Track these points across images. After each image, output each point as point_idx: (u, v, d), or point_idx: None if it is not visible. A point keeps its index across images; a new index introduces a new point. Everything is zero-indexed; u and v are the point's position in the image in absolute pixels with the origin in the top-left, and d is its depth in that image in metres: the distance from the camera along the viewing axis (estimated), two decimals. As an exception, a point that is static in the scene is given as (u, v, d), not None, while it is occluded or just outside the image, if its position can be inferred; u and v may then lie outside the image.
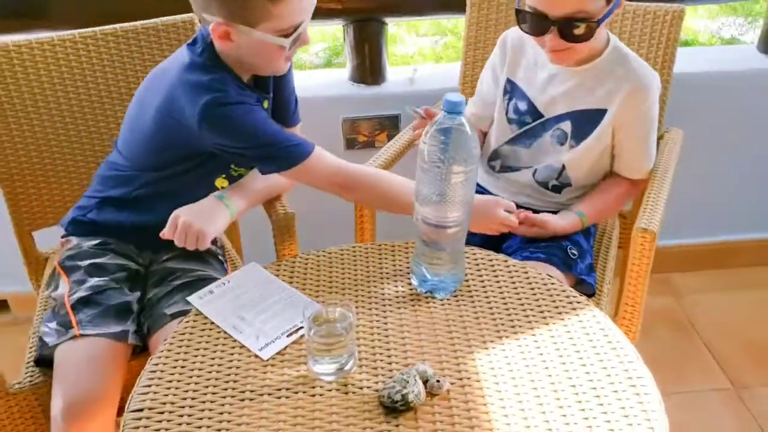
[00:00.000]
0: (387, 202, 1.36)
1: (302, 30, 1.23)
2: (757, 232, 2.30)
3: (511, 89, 1.53)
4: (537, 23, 1.34)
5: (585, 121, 1.45)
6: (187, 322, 1.12)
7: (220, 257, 1.48)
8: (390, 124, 1.97)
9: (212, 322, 1.11)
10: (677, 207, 1.78)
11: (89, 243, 1.41)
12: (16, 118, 1.52)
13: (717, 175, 2.15)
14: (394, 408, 0.94)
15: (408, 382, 0.95)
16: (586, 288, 1.41)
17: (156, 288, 1.37)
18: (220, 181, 1.38)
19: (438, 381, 0.97)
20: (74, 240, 1.43)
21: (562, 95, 1.46)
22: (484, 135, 1.63)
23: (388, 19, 1.90)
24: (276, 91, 1.41)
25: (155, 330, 1.30)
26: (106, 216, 1.42)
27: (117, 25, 1.57)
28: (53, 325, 1.27)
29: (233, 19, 1.18)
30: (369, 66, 1.93)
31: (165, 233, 1.24)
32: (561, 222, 1.45)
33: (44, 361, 1.27)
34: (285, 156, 1.26)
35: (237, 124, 1.23)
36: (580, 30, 1.31)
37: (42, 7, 1.75)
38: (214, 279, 1.36)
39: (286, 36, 1.21)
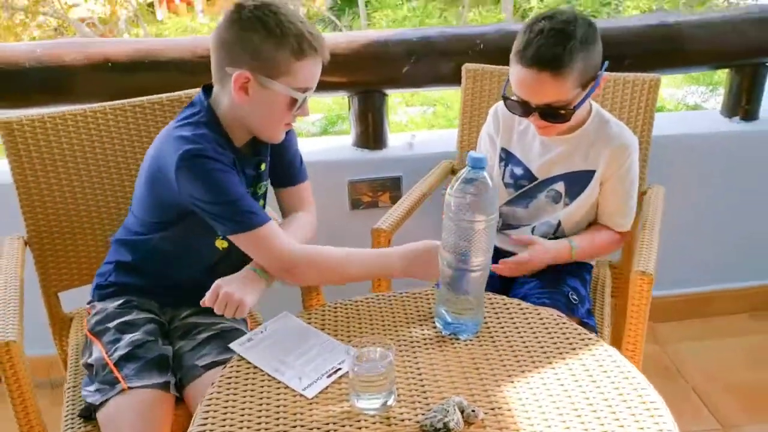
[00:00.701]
0: (329, 277, 1.42)
1: (307, 97, 1.36)
2: (729, 282, 2.46)
3: (506, 157, 1.67)
4: (520, 109, 1.50)
5: (576, 182, 1.60)
6: (231, 367, 1.20)
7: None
8: (392, 185, 2.11)
9: (255, 367, 1.20)
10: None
11: (113, 304, 1.47)
12: (48, 184, 1.61)
13: (688, 229, 2.32)
14: (437, 435, 1.03)
15: (448, 411, 1.04)
16: (589, 330, 1.53)
17: (182, 341, 1.44)
18: (220, 242, 1.45)
19: (473, 411, 1.06)
20: (99, 305, 1.50)
21: (554, 160, 1.61)
22: None
23: (388, 91, 2.06)
24: (279, 153, 1.51)
25: (189, 381, 1.37)
26: (124, 279, 1.50)
27: (143, 98, 1.69)
28: (94, 386, 1.33)
29: (258, 69, 1.30)
30: (372, 133, 2.08)
31: (206, 301, 1.29)
32: (550, 244, 1.58)
33: (86, 417, 1.34)
34: (239, 220, 1.32)
35: (206, 177, 1.30)
36: (558, 115, 1.48)
37: (69, 82, 1.87)
38: (237, 329, 1.45)
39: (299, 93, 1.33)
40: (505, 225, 1.70)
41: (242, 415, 1.09)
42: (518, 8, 5.77)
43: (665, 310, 2.41)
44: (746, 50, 2.14)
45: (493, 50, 1.98)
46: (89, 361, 1.40)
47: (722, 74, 3.45)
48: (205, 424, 1.07)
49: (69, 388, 1.43)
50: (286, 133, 1.47)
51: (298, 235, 1.45)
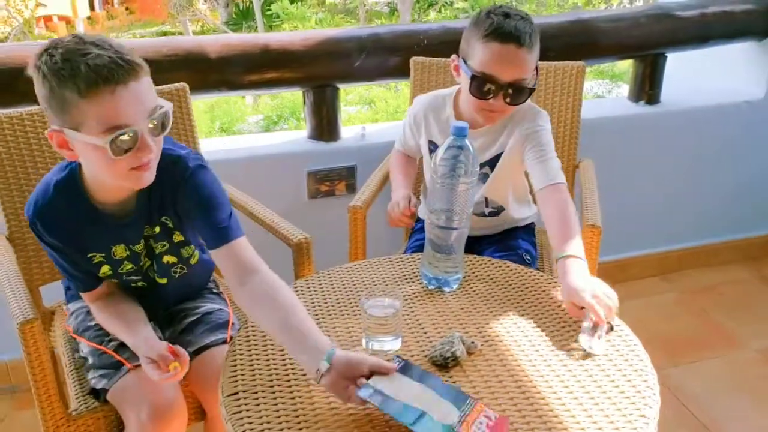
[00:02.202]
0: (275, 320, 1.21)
1: (131, 137, 1.13)
2: (642, 249, 2.77)
3: (432, 147, 1.74)
4: (489, 87, 1.53)
5: (489, 164, 1.71)
6: (246, 327, 1.31)
7: (214, 290, 1.64)
8: (347, 174, 2.26)
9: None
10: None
11: (84, 303, 1.49)
12: (27, 179, 1.65)
13: (605, 201, 2.59)
14: (446, 364, 1.19)
15: (453, 343, 1.21)
16: None
17: (168, 327, 1.52)
18: (119, 250, 1.37)
19: (473, 342, 1.24)
20: (71, 306, 1.56)
21: (478, 149, 1.67)
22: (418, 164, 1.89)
23: (341, 85, 2.21)
24: (189, 220, 1.35)
25: None
26: None
27: None
28: (98, 373, 1.39)
29: (62, 123, 1.14)
30: (326, 125, 2.23)
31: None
32: (582, 282, 1.32)
33: (94, 395, 1.41)
34: (65, 278, 1.42)
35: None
36: (520, 95, 1.55)
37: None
38: (219, 310, 1.55)
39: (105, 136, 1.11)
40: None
41: (267, 362, 1.21)
42: (415, 20, 6.06)
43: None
44: (647, 42, 2.45)
45: (436, 45, 2.17)
46: (83, 354, 1.46)
47: (623, 67, 3.83)
48: (234, 375, 1.18)
49: (71, 371, 1.49)
50: (200, 204, 1.29)
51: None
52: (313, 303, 1.39)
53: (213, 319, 1.52)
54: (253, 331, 1.30)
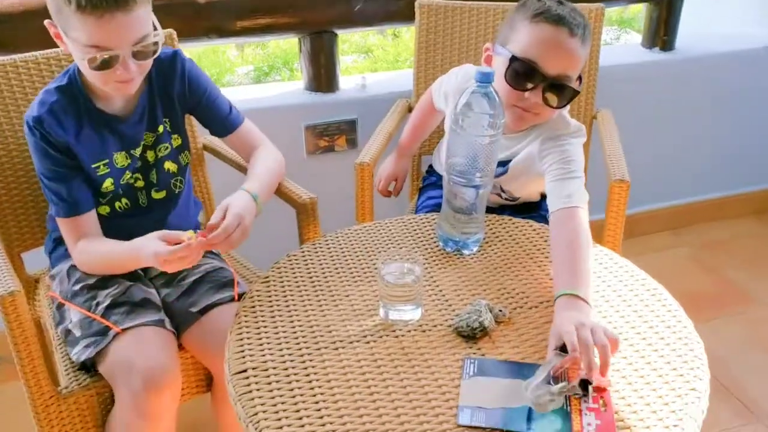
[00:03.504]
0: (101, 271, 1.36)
1: (110, 58, 1.18)
2: (651, 203, 2.67)
3: None
4: (527, 75, 1.31)
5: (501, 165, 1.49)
6: (251, 297, 1.20)
7: (213, 249, 1.53)
8: (348, 128, 2.12)
9: (275, 294, 1.20)
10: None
11: (71, 262, 1.39)
12: (2, 137, 1.51)
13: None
14: (473, 335, 1.09)
15: (480, 311, 1.10)
16: None
17: (167, 289, 1.41)
18: (120, 159, 1.37)
19: (500, 310, 1.13)
20: (56, 268, 1.44)
21: (503, 150, 1.46)
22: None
23: (339, 31, 2.06)
24: (199, 107, 1.44)
25: (186, 328, 1.35)
26: None
27: None
28: (83, 344, 1.28)
29: (56, 21, 1.21)
30: (324, 75, 2.08)
31: (214, 222, 1.23)
32: (599, 329, 1.03)
33: (86, 369, 1.30)
34: (52, 202, 1.31)
35: (32, 149, 1.30)
36: (562, 94, 1.33)
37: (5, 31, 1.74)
38: (221, 268, 1.44)
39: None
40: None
41: (277, 335, 1.10)
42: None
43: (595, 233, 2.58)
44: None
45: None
46: (68, 327, 1.33)
47: (630, 12, 3.68)
48: (242, 350, 1.07)
49: (60, 344, 1.37)
50: (200, 87, 1.41)
51: (263, 177, 1.39)
52: (322, 268, 1.27)
53: (217, 277, 1.41)
54: (259, 300, 1.19)
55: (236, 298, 1.37)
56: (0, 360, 2.08)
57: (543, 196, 1.70)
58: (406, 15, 1.97)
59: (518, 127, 1.43)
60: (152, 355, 1.23)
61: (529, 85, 1.32)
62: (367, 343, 1.09)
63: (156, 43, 1.24)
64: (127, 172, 1.38)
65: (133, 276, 1.37)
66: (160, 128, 1.40)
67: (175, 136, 1.43)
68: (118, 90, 1.27)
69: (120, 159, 1.36)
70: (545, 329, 1.11)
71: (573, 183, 1.31)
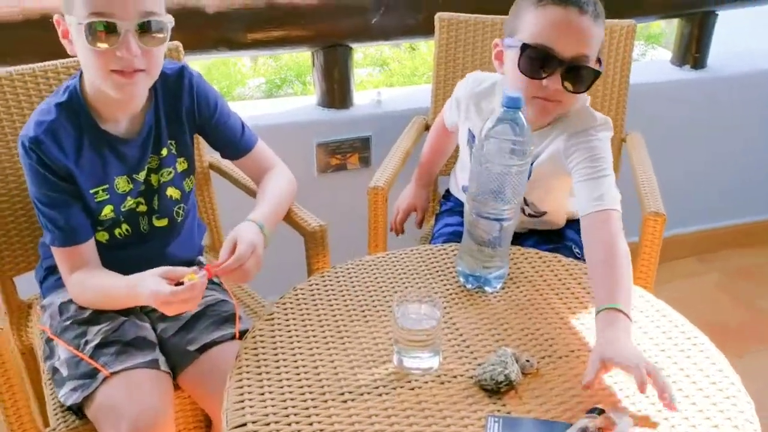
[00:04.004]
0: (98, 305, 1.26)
1: (110, 27, 1.08)
2: (676, 228, 2.55)
3: (471, 138, 1.49)
4: (542, 62, 1.24)
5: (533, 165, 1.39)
6: (253, 337, 1.10)
7: (215, 279, 1.42)
8: (361, 146, 2.02)
9: (276, 335, 1.10)
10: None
11: (63, 297, 1.30)
12: (-5, 155, 1.42)
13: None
14: (497, 389, 0.98)
15: (506, 363, 0.99)
16: None
17: (164, 323, 1.31)
18: (122, 183, 1.26)
19: (527, 360, 1.02)
20: (47, 300, 1.34)
21: None
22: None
23: (355, 45, 1.96)
24: (212, 128, 1.35)
25: (184, 367, 1.25)
26: None
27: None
28: (70, 386, 1.18)
29: (63, 9, 1.13)
30: (338, 91, 1.98)
31: (224, 256, 1.15)
32: (628, 349, 1.01)
33: (74, 411, 1.20)
34: (50, 233, 1.21)
35: (27, 171, 1.19)
36: (582, 76, 1.26)
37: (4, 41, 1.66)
38: (223, 301, 1.34)
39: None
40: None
41: (280, 382, 1.00)
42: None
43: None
44: (697, -2, 2.20)
45: (463, -1, 1.92)
46: (55, 365, 1.24)
47: (657, 27, 3.56)
48: (242, 401, 0.97)
49: (49, 380, 1.27)
50: (210, 103, 1.31)
51: (273, 204, 1.31)
52: (331, 305, 1.17)
53: (218, 311, 1.31)
54: (261, 341, 1.09)
55: (237, 335, 1.26)
56: None
57: (568, 222, 1.60)
58: (425, 29, 1.87)
59: (542, 120, 1.35)
60: (143, 399, 1.13)
61: (546, 72, 1.25)
62: (380, 395, 0.98)
63: (163, 30, 1.14)
64: (129, 198, 1.28)
65: (127, 311, 1.27)
66: (164, 151, 1.29)
67: (181, 159, 1.33)
68: (120, 86, 1.14)
69: (121, 184, 1.26)
70: (576, 383, 1.00)
71: (603, 182, 1.24)
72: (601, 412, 0.92)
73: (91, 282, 1.21)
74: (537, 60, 1.25)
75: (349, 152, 2.01)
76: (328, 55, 1.93)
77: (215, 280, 1.42)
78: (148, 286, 1.08)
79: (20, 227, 1.47)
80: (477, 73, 1.53)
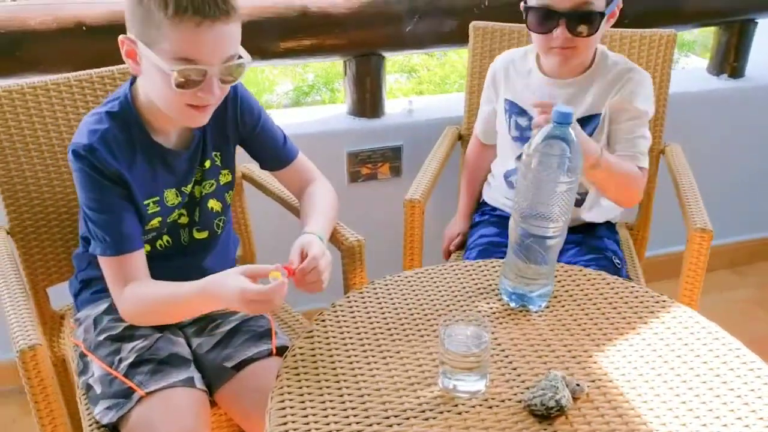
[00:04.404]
0: (157, 320, 1.23)
1: (198, 74, 1.07)
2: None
3: (510, 107, 1.60)
4: (545, 18, 1.39)
5: (582, 126, 1.49)
6: (293, 355, 1.08)
7: None
8: (392, 156, 2.00)
9: (320, 352, 1.08)
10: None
11: (98, 309, 1.29)
12: (30, 164, 1.41)
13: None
14: (548, 414, 0.95)
15: (557, 387, 0.96)
16: None
17: (199, 338, 1.29)
18: (171, 196, 1.25)
19: (578, 385, 0.99)
20: (81, 314, 1.32)
21: (566, 102, 1.51)
22: (493, 152, 1.71)
23: (388, 54, 1.94)
24: (254, 140, 1.33)
25: (220, 384, 1.23)
26: (99, 284, 1.28)
27: (114, 68, 1.50)
28: (105, 404, 1.16)
29: (138, 35, 1.09)
30: (369, 99, 1.96)
31: (293, 262, 1.10)
32: (583, 134, 1.37)
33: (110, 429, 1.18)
34: (99, 239, 1.15)
35: (83, 182, 1.15)
36: (587, 22, 1.38)
37: (37, 49, 1.65)
38: (257, 317, 1.31)
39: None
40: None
41: (323, 404, 0.97)
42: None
43: (658, 269, 2.41)
44: (737, 6, 2.14)
45: (498, 7, 1.89)
46: (89, 381, 1.22)
47: (690, 35, 3.51)
48: (285, 423, 0.95)
49: (83, 396, 1.26)
50: (254, 113, 1.29)
51: (317, 219, 1.27)
52: (371, 323, 1.14)
53: (254, 326, 1.29)
54: (302, 359, 1.06)
55: (273, 351, 1.24)
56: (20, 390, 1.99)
57: (606, 230, 1.57)
58: (458, 38, 1.85)
59: (566, 68, 1.49)
60: (180, 419, 1.12)
61: (550, 26, 1.40)
62: (426, 419, 0.95)
63: (241, 66, 1.13)
64: (176, 210, 1.26)
65: (162, 326, 1.25)
66: (208, 162, 1.27)
67: (225, 171, 1.31)
68: (191, 118, 1.15)
69: (170, 196, 1.24)
70: (626, 410, 0.96)
71: (639, 142, 1.48)
72: None
73: (150, 292, 1.16)
74: (539, 17, 1.41)
75: (380, 162, 1.99)
76: (361, 64, 1.91)
77: None
78: (231, 284, 1.03)
79: (54, 238, 1.46)
80: (504, 52, 1.67)
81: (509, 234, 1.17)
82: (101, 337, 1.23)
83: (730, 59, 2.23)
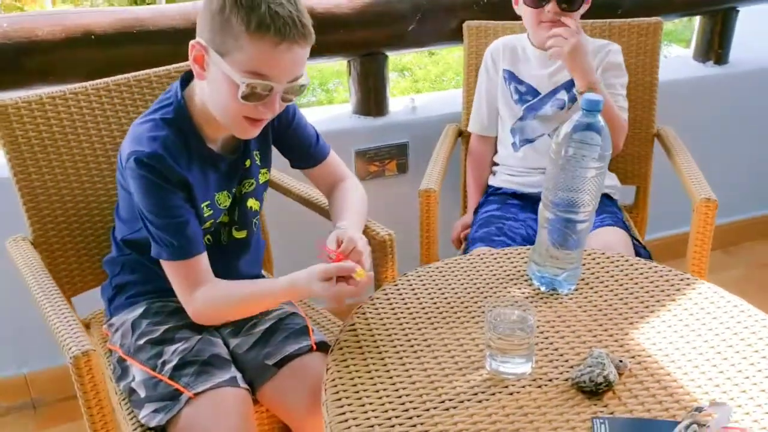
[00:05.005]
0: (237, 316, 1.28)
1: (267, 90, 1.09)
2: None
3: (509, 76, 1.77)
4: None
5: (573, 86, 1.67)
6: (340, 348, 1.10)
7: None
8: (398, 153, 2.03)
9: (365, 343, 1.11)
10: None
11: (133, 314, 1.30)
12: (52, 174, 1.41)
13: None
14: (596, 391, 0.99)
15: (604, 364, 1.00)
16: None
17: (236, 338, 1.30)
18: (222, 198, 1.27)
19: (621, 361, 1.03)
20: (116, 319, 1.33)
21: (553, 72, 1.72)
22: (493, 144, 1.84)
23: (390, 52, 1.97)
24: (288, 138, 1.35)
25: (263, 382, 1.25)
26: (132, 278, 1.33)
27: (130, 75, 1.51)
28: (151, 407, 1.17)
29: (210, 42, 1.10)
30: (374, 98, 1.99)
31: (328, 247, 1.15)
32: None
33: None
34: (164, 244, 1.15)
35: (147, 189, 1.14)
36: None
37: (46, 60, 1.65)
38: (293, 314, 1.34)
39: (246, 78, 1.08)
40: (523, 140, 1.76)
41: (377, 392, 1.00)
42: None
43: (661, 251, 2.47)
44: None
45: (497, 2, 1.93)
46: (132, 385, 1.22)
47: (671, 24, 3.60)
48: (344, 413, 0.98)
49: (124, 401, 1.26)
50: (289, 111, 1.30)
51: (351, 215, 1.30)
52: (411, 313, 1.18)
53: (291, 324, 1.30)
54: (349, 351, 1.09)
55: (314, 347, 1.27)
56: (38, 403, 1.97)
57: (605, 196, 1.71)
58: (459, 36, 1.89)
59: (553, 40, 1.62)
60: (228, 419, 1.14)
61: (543, 2, 1.60)
62: (480, 401, 0.99)
63: (303, 87, 1.17)
64: (225, 213, 1.28)
65: (199, 327, 1.27)
66: (248, 162, 1.29)
67: (264, 170, 1.33)
68: (244, 130, 1.17)
69: (222, 199, 1.26)
70: (668, 382, 1.01)
71: (621, 96, 1.71)
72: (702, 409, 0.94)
73: (228, 293, 1.19)
74: None
75: (386, 159, 2.02)
76: (365, 63, 1.94)
77: None
78: (318, 281, 1.09)
79: (78, 247, 1.47)
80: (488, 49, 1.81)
81: (539, 218, 1.21)
82: (141, 341, 1.24)
83: (715, 46, 2.31)
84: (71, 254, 1.46)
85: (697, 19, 2.36)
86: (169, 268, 1.18)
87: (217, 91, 1.13)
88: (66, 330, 1.09)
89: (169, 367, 1.20)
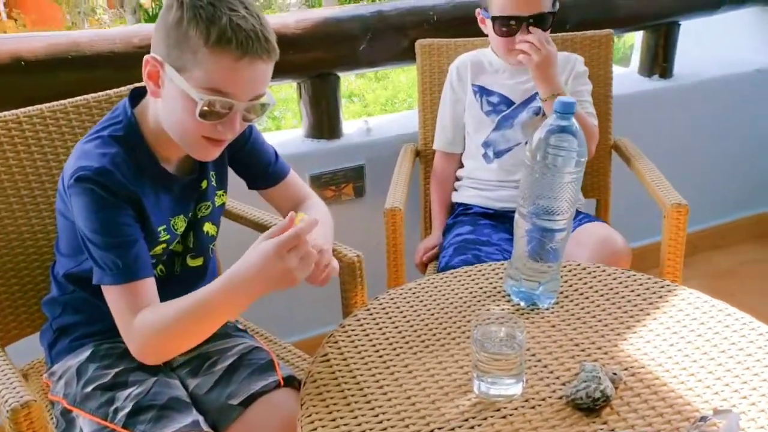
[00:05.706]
0: (189, 341, 1.09)
1: (226, 108, 1.03)
2: (654, 236, 2.58)
3: (480, 90, 1.74)
4: (510, 24, 1.60)
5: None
6: (313, 381, 1.01)
7: (239, 326, 1.33)
8: (355, 176, 1.96)
9: (340, 374, 1.02)
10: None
11: (78, 359, 1.17)
12: (7, 204, 1.29)
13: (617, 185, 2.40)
14: (594, 407, 0.92)
15: (599, 378, 0.94)
16: None
17: (195, 378, 1.19)
18: (179, 223, 1.18)
19: (615, 374, 0.97)
20: (58, 367, 1.20)
21: (525, 82, 1.70)
22: (458, 161, 1.80)
23: (342, 73, 1.91)
24: (246, 156, 1.26)
25: (228, 423, 1.13)
26: (75, 320, 1.21)
27: (66, 101, 1.40)
28: None
29: (166, 57, 1.03)
30: (327, 121, 1.92)
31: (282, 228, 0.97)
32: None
33: None
34: (106, 267, 1.04)
35: (92, 208, 1.04)
36: (542, 23, 1.60)
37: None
38: (256, 348, 1.23)
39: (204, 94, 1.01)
40: (498, 151, 1.73)
41: (361, 429, 0.92)
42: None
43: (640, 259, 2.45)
44: (662, 11, 2.26)
45: (447, 21, 1.90)
46: None
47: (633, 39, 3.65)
48: (325, 451, 0.88)
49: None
50: (245, 128, 1.18)
51: (325, 224, 1.22)
52: (386, 338, 1.10)
53: (254, 360, 1.19)
54: (323, 383, 1.00)
55: (281, 382, 1.16)
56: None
57: None
58: (411, 54, 1.85)
59: (526, 60, 1.61)
60: None
61: (514, 30, 1.60)
62: (472, 427, 0.91)
63: (265, 106, 1.10)
64: (179, 240, 1.18)
65: (154, 369, 1.15)
66: (204, 183, 1.20)
67: (221, 192, 1.24)
68: (203, 152, 1.10)
69: (179, 224, 1.18)
70: (666, 393, 0.96)
71: (590, 103, 1.73)
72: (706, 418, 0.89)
73: (167, 313, 1.02)
74: (506, 26, 1.61)
75: (342, 183, 1.95)
76: (316, 85, 1.87)
77: (239, 326, 1.32)
78: (262, 251, 0.95)
79: (12, 290, 1.33)
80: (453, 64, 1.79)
81: (515, 231, 1.15)
82: (89, 388, 1.12)
83: (660, 60, 2.34)
84: (4, 297, 1.32)
85: (637, 35, 2.40)
86: (110, 294, 1.05)
87: (172, 110, 1.06)
88: (1, 381, 0.96)
89: (122, 414, 1.07)
